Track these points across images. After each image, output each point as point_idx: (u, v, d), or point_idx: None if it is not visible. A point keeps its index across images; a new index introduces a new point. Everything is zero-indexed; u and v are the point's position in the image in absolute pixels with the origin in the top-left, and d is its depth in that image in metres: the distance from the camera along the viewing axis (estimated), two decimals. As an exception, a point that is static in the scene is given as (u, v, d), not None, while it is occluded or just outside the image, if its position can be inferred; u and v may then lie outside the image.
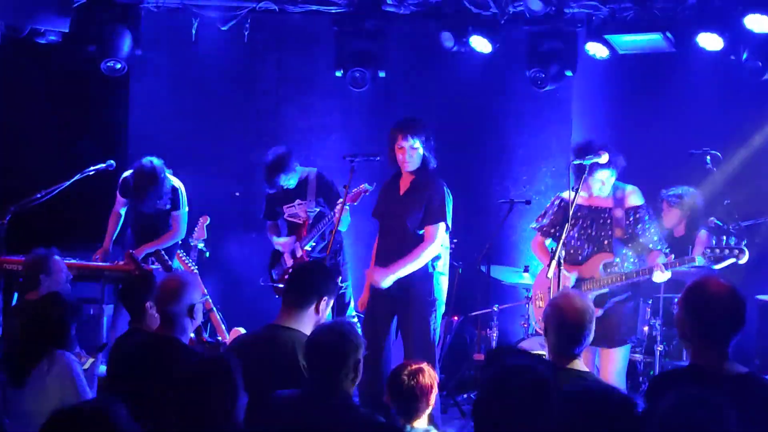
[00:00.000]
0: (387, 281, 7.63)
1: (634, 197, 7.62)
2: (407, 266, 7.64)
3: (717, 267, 7.17)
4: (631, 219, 7.55)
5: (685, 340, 4.82)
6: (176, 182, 9.50)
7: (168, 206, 9.44)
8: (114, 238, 9.64)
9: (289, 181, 9.26)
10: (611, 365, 7.50)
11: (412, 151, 7.76)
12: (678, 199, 9.05)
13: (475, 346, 9.99)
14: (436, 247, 7.76)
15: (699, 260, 7.22)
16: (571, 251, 7.61)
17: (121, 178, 9.61)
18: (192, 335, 6.29)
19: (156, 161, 9.23)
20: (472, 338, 10.10)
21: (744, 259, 7.11)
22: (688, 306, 4.73)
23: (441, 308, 7.87)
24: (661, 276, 7.30)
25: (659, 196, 9.10)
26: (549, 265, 7.13)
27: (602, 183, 7.56)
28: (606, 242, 7.58)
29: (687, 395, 3.69)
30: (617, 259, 7.55)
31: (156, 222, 9.51)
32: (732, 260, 7.11)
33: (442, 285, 7.85)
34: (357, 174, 8.17)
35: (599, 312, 7.01)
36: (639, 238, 7.52)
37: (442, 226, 7.75)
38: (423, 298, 7.72)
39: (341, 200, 8.35)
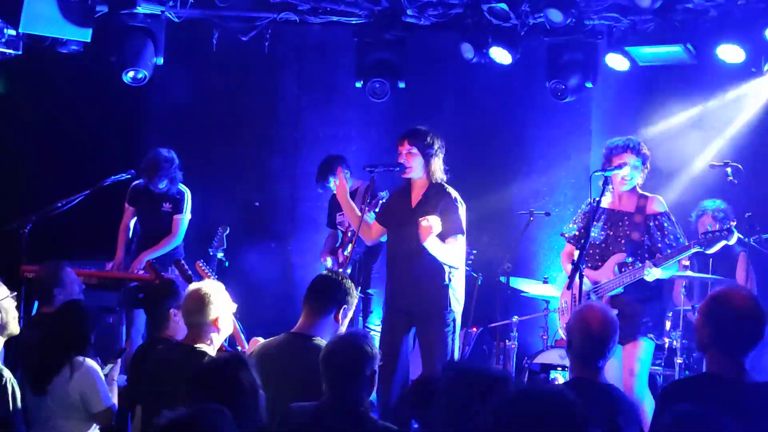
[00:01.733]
0: (430, 240, 7.46)
1: (656, 204, 7.58)
2: (442, 249, 7.56)
3: (710, 251, 7.27)
4: (651, 224, 7.50)
5: (702, 347, 4.84)
6: (183, 187, 9.58)
7: (170, 207, 9.51)
8: (125, 249, 9.68)
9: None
10: (628, 360, 7.43)
11: (409, 157, 7.76)
12: (720, 213, 9.00)
13: (494, 358, 9.96)
14: (461, 256, 7.76)
15: (695, 247, 7.25)
16: (591, 252, 7.59)
17: (130, 187, 9.68)
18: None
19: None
20: (491, 349, 10.08)
21: (733, 240, 7.21)
22: (710, 315, 4.76)
23: (458, 321, 7.85)
24: (652, 273, 7.29)
25: (697, 210, 9.10)
26: (571, 277, 7.10)
27: (626, 174, 7.54)
28: (622, 241, 7.53)
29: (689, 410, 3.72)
30: (629, 259, 7.47)
31: (159, 228, 9.57)
32: (723, 242, 7.19)
33: (458, 298, 7.81)
34: (377, 184, 8.17)
35: (615, 312, 6.97)
36: (657, 243, 7.47)
37: (461, 237, 7.73)
38: (440, 311, 7.69)
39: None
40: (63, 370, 6.13)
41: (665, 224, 7.52)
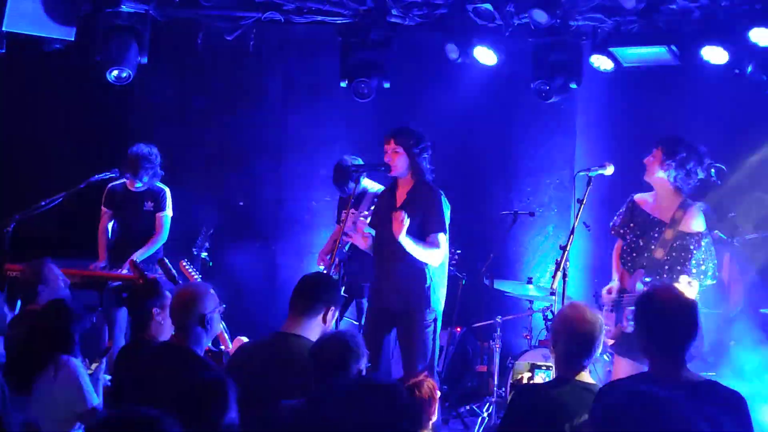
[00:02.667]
0: (402, 236, 7.45)
1: (692, 222, 7.24)
2: (417, 247, 7.56)
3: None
4: (676, 244, 7.21)
5: (642, 350, 4.82)
6: (162, 185, 9.58)
7: (151, 206, 9.51)
8: (107, 250, 9.67)
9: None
10: None
11: (394, 155, 7.78)
12: None
13: (477, 358, 9.98)
14: (441, 254, 7.75)
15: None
16: (626, 254, 7.46)
17: (106, 190, 9.66)
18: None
19: None
20: (475, 350, 10.10)
21: None
22: (640, 316, 4.77)
23: (440, 320, 7.86)
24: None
25: None
26: (554, 276, 7.07)
27: (658, 187, 7.38)
28: (645, 254, 7.30)
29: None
30: (647, 279, 7.22)
31: (143, 227, 9.56)
32: None
33: (440, 297, 7.82)
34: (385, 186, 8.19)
35: (629, 328, 6.91)
36: (677, 265, 7.18)
37: (442, 236, 7.73)
38: (422, 311, 7.70)
39: (348, 211, 8.35)
40: (47, 370, 6.10)
41: (691, 246, 7.18)
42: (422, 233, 7.64)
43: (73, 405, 6.11)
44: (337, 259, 8.24)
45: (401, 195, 7.87)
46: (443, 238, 7.73)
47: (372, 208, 8.38)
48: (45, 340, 6.18)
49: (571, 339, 5.03)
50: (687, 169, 7.28)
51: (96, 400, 6.20)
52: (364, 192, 9.42)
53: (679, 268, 7.13)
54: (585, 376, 5.05)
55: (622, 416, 3.69)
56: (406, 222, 7.39)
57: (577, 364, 5.03)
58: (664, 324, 4.65)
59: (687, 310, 4.70)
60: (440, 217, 7.72)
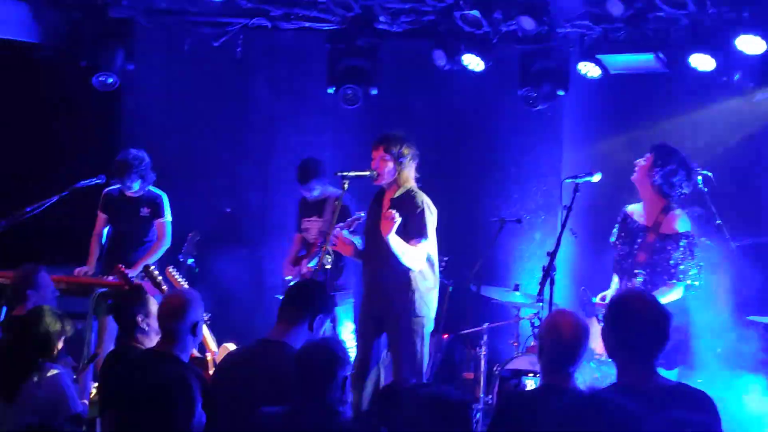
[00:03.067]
0: (391, 234, 7.48)
1: (669, 223, 7.31)
2: (402, 248, 7.56)
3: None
4: (657, 246, 7.29)
5: (611, 356, 4.79)
6: (158, 190, 9.56)
7: (148, 212, 9.48)
8: (97, 258, 9.62)
9: (314, 191, 9.35)
10: None
11: (382, 163, 7.78)
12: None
13: (464, 365, 9.95)
14: (421, 261, 7.73)
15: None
16: (617, 264, 7.55)
17: (103, 194, 9.63)
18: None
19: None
20: (462, 357, 10.06)
21: None
22: (610, 322, 4.76)
23: (429, 325, 7.85)
24: None
25: None
26: (541, 284, 7.06)
27: (642, 190, 7.45)
28: (630, 260, 7.40)
29: None
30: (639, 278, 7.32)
31: (138, 233, 9.53)
32: None
33: (428, 303, 7.82)
34: (349, 190, 8.15)
35: None
36: (657, 267, 7.28)
37: (424, 242, 7.72)
38: (407, 317, 7.70)
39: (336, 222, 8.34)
40: (30, 377, 6.08)
41: (669, 247, 7.26)
42: (403, 238, 7.63)
43: (56, 411, 6.09)
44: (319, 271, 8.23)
45: (386, 202, 7.86)
46: (425, 245, 7.72)
47: (356, 222, 8.39)
48: (28, 347, 6.16)
49: (556, 345, 5.00)
50: (671, 181, 7.37)
51: (80, 406, 6.18)
52: (326, 198, 9.46)
53: (659, 269, 7.23)
54: (572, 383, 5.01)
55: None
56: (397, 220, 7.41)
57: (563, 371, 4.99)
58: (635, 329, 4.63)
59: (658, 315, 4.68)
60: (421, 224, 7.69)
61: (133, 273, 8.93)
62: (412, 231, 7.65)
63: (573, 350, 4.98)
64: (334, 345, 5.03)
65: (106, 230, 9.70)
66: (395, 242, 7.50)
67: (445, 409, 4.28)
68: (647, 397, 4.45)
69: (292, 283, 6.40)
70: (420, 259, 7.68)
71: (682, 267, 7.20)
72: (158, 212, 9.53)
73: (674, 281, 7.22)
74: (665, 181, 7.33)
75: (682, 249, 7.24)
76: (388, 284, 7.71)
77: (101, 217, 9.69)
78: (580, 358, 5.01)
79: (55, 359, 6.21)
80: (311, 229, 9.53)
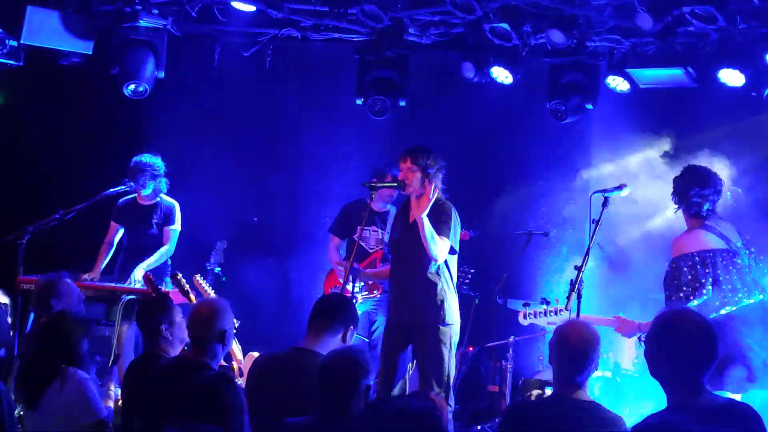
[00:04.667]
0: (424, 213, 7.56)
1: (675, 246, 7.15)
2: (430, 230, 7.59)
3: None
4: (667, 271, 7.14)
5: (656, 376, 4.69)
6: (171, 200, 9.62)
7: (160, 220, 9.55)
8: (102, 267, 9.65)
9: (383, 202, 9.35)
10: None
11: (410, 174, 7.81)
12: None
13: (489, 378, 9.94)
14: (444, 253, 7.73)
15: None
16: None
17: (117, 205, 9.69)
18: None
19: None
20: (487, 369, 10.06)
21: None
22: (657, 342, 4.65)
23: (456, 336, 7.86)
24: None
25: None
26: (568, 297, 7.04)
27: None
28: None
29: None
30: None
31: (151, 241, 9.57)
32: None
33: (455, 312, 7.83)
34: (376, 201, 8.19)
35: None
36: (668, 292, 7.10)
37: (446, 240, 7.72)
38: (435, 326, 7.72)
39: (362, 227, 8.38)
40: (54, 383, 6.10)
41: (665, 274, 7.13)
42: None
43: (80, 417, 6.10)
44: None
45: (414, 210, 7.89)
46: (447, 242, 7.73)
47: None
48: (50, 352, 6.18)
49: (565, 355, 5.00)
50: (693, 202, 7.21)
51: (104, 411, 6.20)
52: (389, 212, 9.46)
53: (668, 293, 7.06)
54: (581, 394, 4.98)
55: None
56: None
57: (572, 381, 4.98)
58: (685, 350, 4.55)
59: (707, 335, 4.59)
60: (447, 225, 7.72)
61: (137, 279, 9.02)
62: (437, 228, 7.67)
63: (579, 360, 4.97)
64: (358, 354, 5.04)
65: (116, 241, 9.75)
66: (427, 223, 7.55)
67: (412, 421, 4.23)
68: (697, 416, 4.40)
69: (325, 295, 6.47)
70: (444, 251, 7.71)
71: (685, 289, 6.99)
72: (169, 220, 9.58)
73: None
74: (696, 204, 7.24)
75: (676, 272, 7.04)
76: (416, 295, 7.73)
77: (113, 226, 9.75)
78: (587, 369, 4.98)
79: (78, 364, 6.23)
80: (370, 239, 9.52)
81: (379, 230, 9.48)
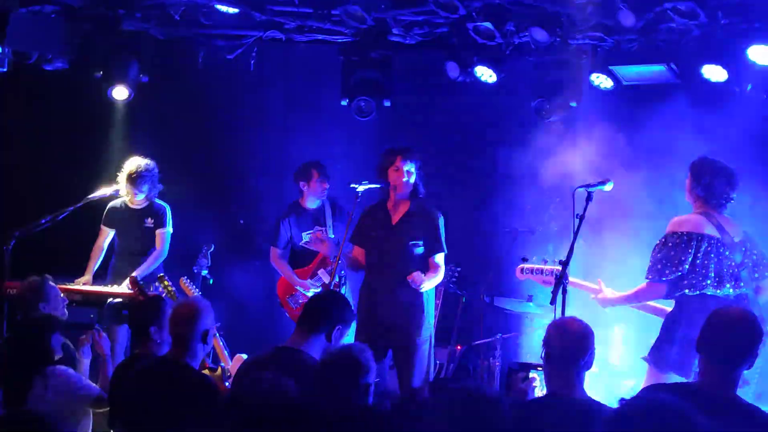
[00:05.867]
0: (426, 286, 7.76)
1: (672, 223, 7.28)
2: (432, 281, 7.87)
3: None
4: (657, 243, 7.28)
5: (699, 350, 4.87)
6: (162, 202, 9.64)
7: (152, 223, 9.54)
8: (95, 271, 9.65)
9: (315, 202, 9.39)
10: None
11: (409, 175, 7.85)
12: None
13: (478, 376, 9.95)
14: (443, 272, 7.99)
15: None
16: None
17: (107, 208, 9.68)
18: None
19: None
20: (475, 367, 10.07)
21: None
22: (706, 328, 4.85)
23: (433, 335, 8.11)
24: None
25: None
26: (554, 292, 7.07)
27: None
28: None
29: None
30: None
31: (143, 244, 9.57)
32: None
33: (432, 312, 8.06)
34: (361, 201, 8.19)
35: None
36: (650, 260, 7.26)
37: (442, 255, 7.98)
38: (419, 326, 7.87)
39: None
40: (35, 384, 6.13)
41: (657, 243, 7.26)
42: (425, 254, 7.89)
43: (77, 404, 6.17)
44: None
45: (397, 213, 7.95)
46: (442, 258, 7.96)
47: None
48: (24, 356, 6.22)
49: (560, 352, 5.00)
50: (713, 192, 7.30)
51: (96, 389, 6.27)
52: (322, 205, 9.55)
53: (650, 264, 7.21)
54: (580, 391, 5.00)
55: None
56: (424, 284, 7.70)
57: (567, 379, 4.98)
58: (727, 340, 4.75)
59: (751, 332, 4.79)
60: (441, 238, 7.93)
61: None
62: (435, 245, 7.87)
63: (574, 356, 4.98)
64: (358, 352, 5.04)
65: (107, 244, 9.74)
66: (428, 285, 7.81)
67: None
68: (714, 405, 4.50)
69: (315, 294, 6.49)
70: (441, 273, 7.98)
71: (659, 267, 7.18)
72: (161, 223, 9.59)
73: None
74: (707, 193, 7.32)
75: (659, 249, 7.23)
76: (398, 294, 7.78)
77: (104, 230, 9.75)
78: (582, 365, 4.99)
79: (53, 360, 6.28)
80: (312, 241, 9.52)
81: (318, 227, 9.52)
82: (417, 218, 7.86)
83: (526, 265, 7.81)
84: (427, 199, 8.01)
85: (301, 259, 9.63)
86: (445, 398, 4.09)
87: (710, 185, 7.29)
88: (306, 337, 5.77)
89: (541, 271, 7.70)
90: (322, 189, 9.56)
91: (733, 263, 7.12)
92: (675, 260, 7.06)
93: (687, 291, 7.07)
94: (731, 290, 7.07)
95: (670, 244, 7.13)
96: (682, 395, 4.35)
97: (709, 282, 7.03)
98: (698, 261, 7.05)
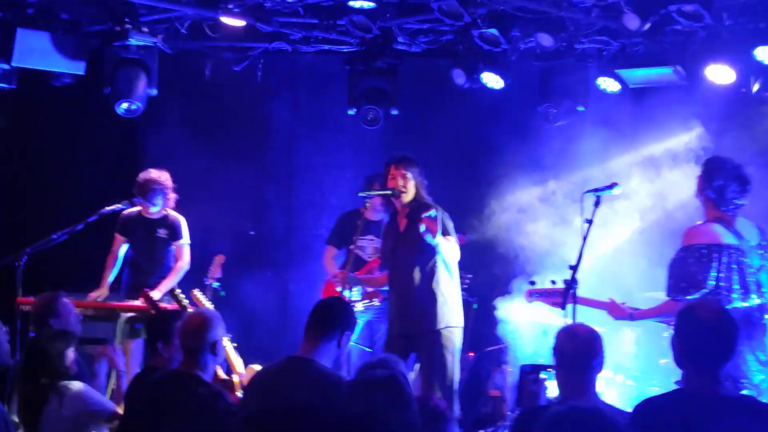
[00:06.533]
0: (439, 236, 7.61)
1: (686, 235, 7.01)
2: (444, 241, 7.71)
3: None
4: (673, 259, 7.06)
5: (678, 364, 4.74)
6: (177, 214, 9.64)
7: (167, 234, 9.55)
8: (110, 281, 9.67)
9: (376, 212, 9.40)
10: None
11: (404, 180, 7.85)
12: None
13: (490, 382, 9.95)
14: (457, 252, 7.88)
15: None
16: None
17: (121, 217, 9.68)
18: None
19: None
20: (488, 374, 10.07)
21: None
22: (677, 330, 4.73)
23: (459, 338, 7.94)
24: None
25: None
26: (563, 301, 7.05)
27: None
28: None
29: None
30: None
31: (155, 254, 9.59)
32: None
33: (456, 314, 7.93)
34: (371, 210, 8.22)
35: None
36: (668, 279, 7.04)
37: (449, 237, 7.82)
38: (439, 331, 7.81)
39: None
40: (51, 400, 6.14)
41: (670, 261, 7.01)
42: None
43: (92, 421, 6.19)
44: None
45: (402, 219, 7.97)
46: (451, 239, 7.84)
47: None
48: (37, 373, 6.23)
49: (568, 357, 4.99)
50: (724, 196, 6.99)
51: (112, 405, 6.28)
52: (382, 221, 9.49)
53: (670, 282, 6.97)
54: (591, 396, 4.98)
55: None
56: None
57: (578, 384, 4.97)
58: (702, 339, 4.62)
59: (725, 326, 4.65)
60: (445, 226, 7.80)
61: (155, 297, 9.00)
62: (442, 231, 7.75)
63: (582, 361, 4.96)
64: (394, 364, 4.98)
65: (122, 254, 9.75)
66: (442, 241, 7.64)
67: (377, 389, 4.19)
68: (709, 406, 4.45)
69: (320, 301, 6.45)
70: (456, 249, 7.84)
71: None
72: (175, 234, 9.57)
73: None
74: (718, 196, 7.17)
75: (676, 265, 7.00)
76: (417, 301, 7.79)
77: (118, 238, 9.72)
78: (592, 369, 4.97)
79: (68, 377, 6.28)
80: (367, 248, 9.56)
81: (376, 239, 9.53)
82: (417, 215, 7.83)
83: (534, 288, 7.76)
84: (423, 200, 8.00)
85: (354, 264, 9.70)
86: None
87: (722, 189, 7.05)
88: (316, 345, 5.70)
89: (551, 293, 7.63)
90: (383, 203, 9.49)
91: (753, 269, 7.01)
92: (698, 277, 6.84)
93: None
94: (758, 299, 6.95)
95: (690, 261, 6.93)
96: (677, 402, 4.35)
97: (735, 296, 6.92)
98: (722, 275, 6.92)
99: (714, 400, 4.52)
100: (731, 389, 4.70)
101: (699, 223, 7.08)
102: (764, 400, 4.89)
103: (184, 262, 9.58)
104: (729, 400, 4.58)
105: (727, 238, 6.89)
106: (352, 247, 9.02)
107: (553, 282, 7.59)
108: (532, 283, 7.88)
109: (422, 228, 7.51)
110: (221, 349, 5.80)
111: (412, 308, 7.83)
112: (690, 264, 6.83)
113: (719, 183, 7.02)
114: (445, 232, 7.76)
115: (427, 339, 7.79)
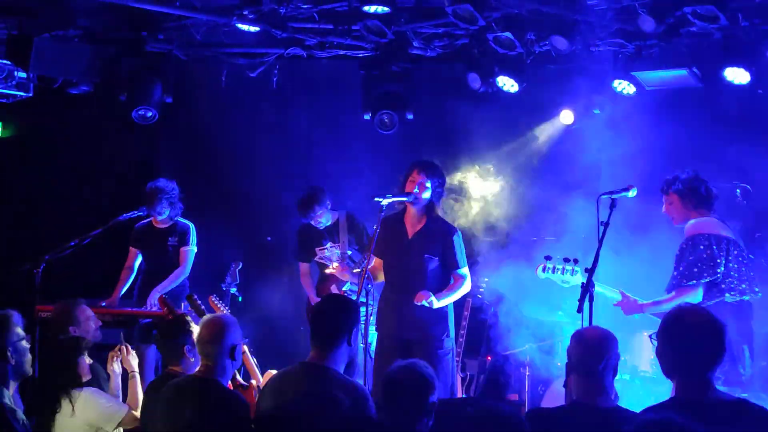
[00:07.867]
0: (437, 304, 7.73)
1: (690, 228, 7.29)
2: (451, 297, 7.89)
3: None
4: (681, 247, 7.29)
5: (666, 373, 4.72)
6: (187, 221, 9.70)
7: (176, 242, 9.59)
8: (123, 292, 9.70)
9: (323, 218, 9.40)
10: None
11: (422, 188, 7.85)
12: None
13: (509, 386, 9.93)
14: (469, 284, 8.02)
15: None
16: None
17: (134, 229, 9.74)
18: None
19: None
20: (506, 378, 10.05)
21: None
22: (665, 338, 4.69)
23: (455, 346, 8.16)
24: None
25: None
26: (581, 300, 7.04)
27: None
28: None
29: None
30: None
31: (167, 263, 9.62)
32: None
33: (451, 321, 8.05)
34: (386, 214, 8.21)
35: None
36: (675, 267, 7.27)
37: (465, 268, 8.01)
38: (440, 339, 7.91)
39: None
40: (63, 407, 6.17)
41: (677, 253, 7.26)
42: (441, 270, 7.91)
43: (105, 424, 6.21)
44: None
45: (412, 226, 7.97)
46: (467, 270, 7.99)
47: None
48: (53, 378, 6.25)
49: (578, 360, 4.98)
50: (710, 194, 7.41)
51: (125, 406, 6.30)
52: (337, 221, 9.57)
53: (680, 268, 7.20)
54: (604, 399, 4.95)
55: None
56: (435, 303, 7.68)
57: (589, 386, 4.94)
58: (692, 346, 4.58)
59: (714, 330, 4.62)
60: (461, 253, 7.97)
61: (152, 302, 9.06)
62: (451, 260, 7.95)
63: (591, 363, 4.92)
64: (423, 368, 4.97)
65: (136, 265, 9.80)
66: (444, 302, 7.84)
67: (499, 423, 4.20)
68: (705, 412, 4.41)
69: (319, 302, 6.40)
70: (467, 285, 7.99)
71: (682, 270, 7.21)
72: (184, 241, 9.62)
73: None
74: (709, 194, 7.40)
75: (685, 253, 7.25)
76: (422, 316, 7.79)
77: (132, 251, 9.80)
78: (602, 372, 4.93)
79: (80, 382, 6.31)
80: (331, 256, 9.54)
81: (333, 244, 9.57)
82: (432, 234, 7.88)
83: (548, 264, 7.81)
84: (441, 216, 8.05)
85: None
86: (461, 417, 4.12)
87: (708, 190, 7.39)
88: (328, 350, 5.59)
89: (561, 271, 7.69)
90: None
91: (751, 266, 7.13)
92: (710, 262, 7.02)
93: (728, 296, 7.00)
94: (760, 294, 7.02)
95: (701, 247, 7.07)
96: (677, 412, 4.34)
97: (744, 286, 7.00)
98: (731, 264, 7.02)
99: (710, 405, 4.51)
100: (725, 393, 4.66)
101: (699, 219, 7.20)
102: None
103: (185, 267, 9.64)
104: (724, 405, 4.57)
105: (726, 231, 7.14)
106: (317, 259, 9.17)
107: (566, 260, 7.64)
108: (548, 258, 7.91)
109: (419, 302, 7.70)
110: (239, 354, 5.80)
111: (413, 314, 7.82)
112: (701, 250, 7.04)
113: (699, 187, 7.33)
114: (455, 266, 7.93)
115: (428, 346, 7.81)
